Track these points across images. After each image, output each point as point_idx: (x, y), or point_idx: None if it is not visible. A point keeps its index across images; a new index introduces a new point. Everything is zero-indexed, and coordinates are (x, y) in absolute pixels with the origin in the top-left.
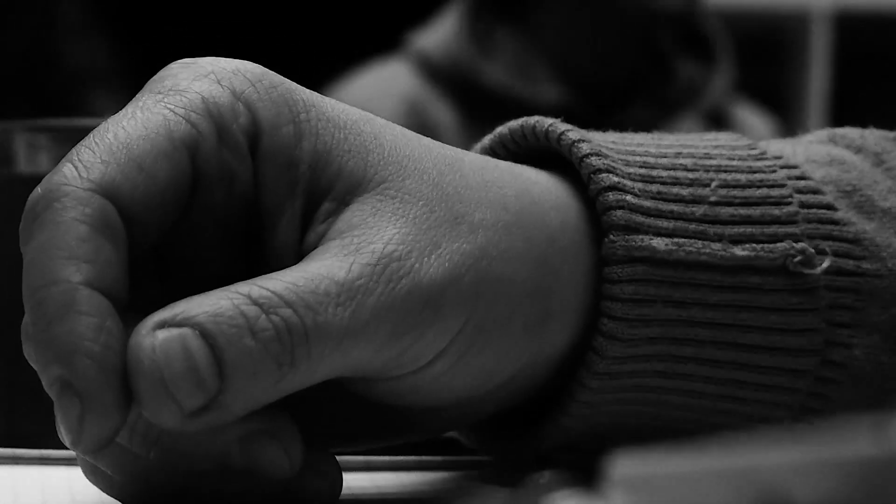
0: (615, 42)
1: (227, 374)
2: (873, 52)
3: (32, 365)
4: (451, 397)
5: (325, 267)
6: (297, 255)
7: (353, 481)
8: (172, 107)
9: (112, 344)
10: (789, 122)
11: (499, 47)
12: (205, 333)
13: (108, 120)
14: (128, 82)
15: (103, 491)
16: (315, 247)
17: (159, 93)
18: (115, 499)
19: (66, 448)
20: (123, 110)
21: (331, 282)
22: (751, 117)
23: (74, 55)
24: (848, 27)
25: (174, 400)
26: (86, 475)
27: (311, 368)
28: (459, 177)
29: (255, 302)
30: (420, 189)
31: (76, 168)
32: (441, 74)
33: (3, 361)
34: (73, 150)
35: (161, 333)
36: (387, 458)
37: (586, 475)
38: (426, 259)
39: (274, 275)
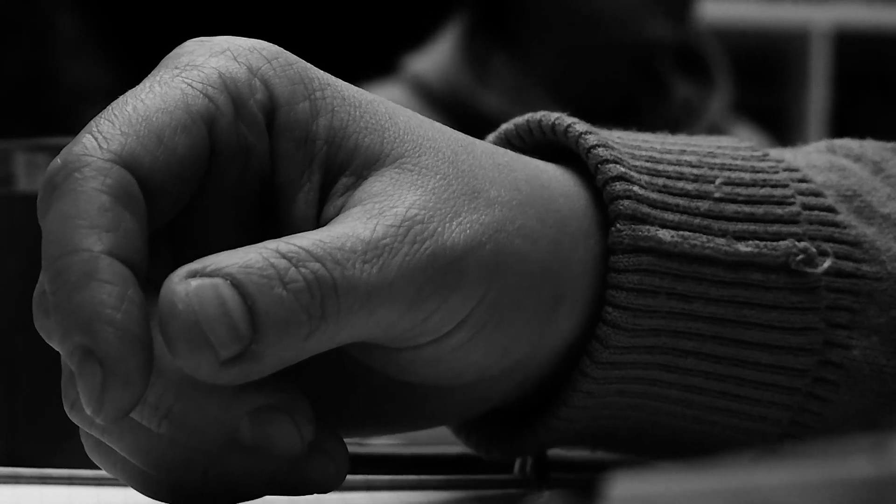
0: (609, 69)
1: (259, 322)
2: (873, 71)
3: (47, 339)
4: (462, 375)
5: (350, 227)
6: (314, 228)
7: (354, 500)
8: (190, 81)
9: (134, 312)
10: (789, 140)
11: (495, 73)
12: (236, 283)
13: (126, 94)
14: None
15: (105, 469)
16: (334, 218)
17: (176, 67)
18: (118, 477)
19: (66, 467)
20: (141, 85)
21: (357, 240)
22: (751, 137)
23: (73, 74)
24: (848, 45)
25: (209, 345)
26: (89, 452)
27: (340, 324)
28: (473, 157)
29: (284, 256)
30: (436, 164)
31: (96, 139)
32: (438, 100)
33: (3, 380)
34: (92, 122)
35: (194, 281)
36: (387, 477)
37: (585, 495)
38: (448, 225)
39: (300, 234)
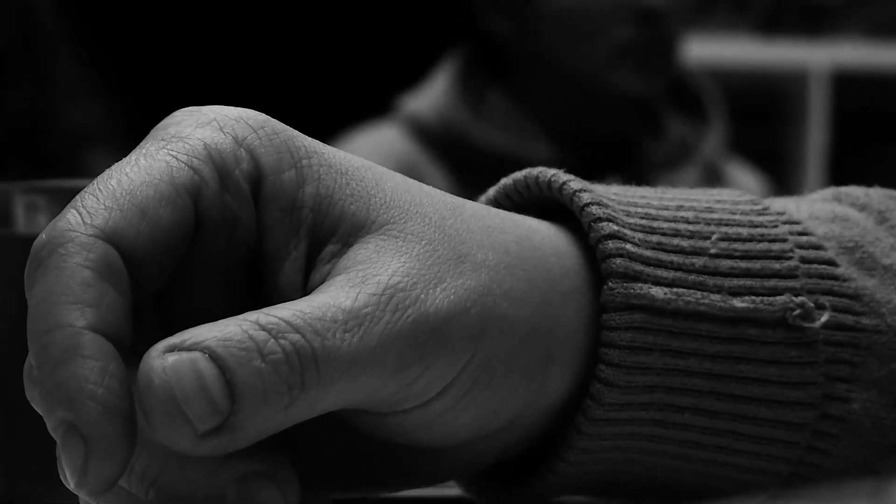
0: (597, 112)
1: (237, 394)
2: (871, 112)
3: (36, 408)
4: (454, 436)
5: (332, 296)
6: (301, 296)
7: None
8: (175, 153)
9: (115, 387)
10: (788, 181)
11: (490, 108)
12: (214, 357)
13: (112, 167)
14: (126, 142)
15: None
16: (319, 285)
17: (162, 140)
18: None
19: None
20: (127, 158)
21: (338, 309)
22: (743, 176)
23: (72, 116)
24: (846, 86)
25: (186, 420)
26: None
27: (321, 394)
28: (461, 221)
29: (263, 327)
30: (422, 230)
31: (80, 214)
32: (433, 137)
33: (2, 419)
34: (77, 197)
35: (171, 356)
36: None
37: None
38: (431, 291)
39: (281, 305)
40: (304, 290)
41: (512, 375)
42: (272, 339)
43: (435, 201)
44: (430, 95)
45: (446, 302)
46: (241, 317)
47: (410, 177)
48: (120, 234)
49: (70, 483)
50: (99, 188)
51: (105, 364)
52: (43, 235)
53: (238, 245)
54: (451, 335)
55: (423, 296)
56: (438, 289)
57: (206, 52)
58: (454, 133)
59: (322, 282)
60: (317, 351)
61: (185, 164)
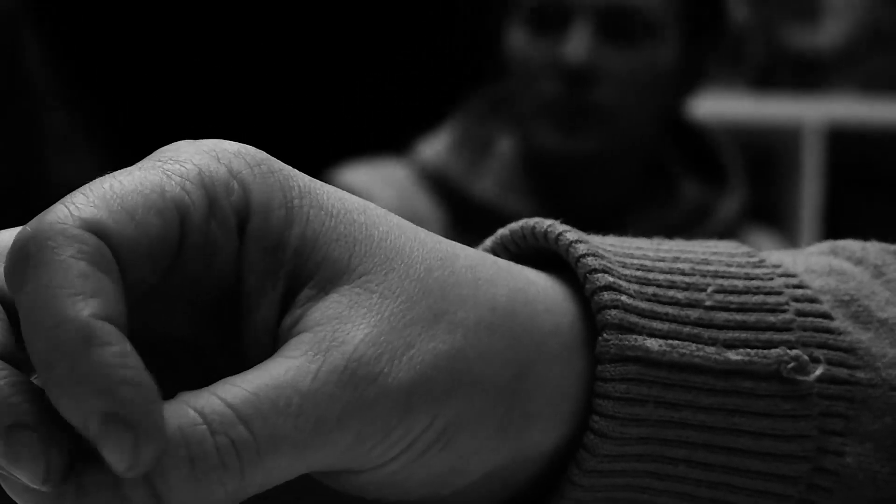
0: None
1: (167, 487)
2: (866, 167)
3: (58, 406)
4: (411, 493)
5: (292, 371)
6: (273, 336)
7: None
8: (169, 172)
9: (141, 366)
10: (783, 236)
11: (494, 158)
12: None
13: (106, 175)
14: None
15: None
16: (289, 331)
17: (159, 160)
18: None
19: None
20: (123, 170)
21: (294, 391)
22: (764, 241)
23: (62, 168)
24: (840, 142)
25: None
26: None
27: (267, 477)
28: (449, 273)
29: (206, 419)
30: (402, 284)
31: (68, 208)
32: (434, 184)
33: None
34: (67, 196)
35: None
36: None
37: None
38: (397, 362)
39: (238, 380)
40: (277, 329)
41: (474, 437)
42: (210, 437)
43: (426, 250)
44: (436, 144)
45: (411, 373)
46: (189, 399)
47: (407, 214)
48: (108, 232)
49: (120, 469)
50: (91, 189)
51: (124, 347)
52: (28, 229)
53: (214, 276)
54: (412, 405)
55: (387, 369)
56: (405, 357)
57: (203, 105)
58: (452, 185)
59: (293, 326)
60: (260, 442)
61: (178, 183)
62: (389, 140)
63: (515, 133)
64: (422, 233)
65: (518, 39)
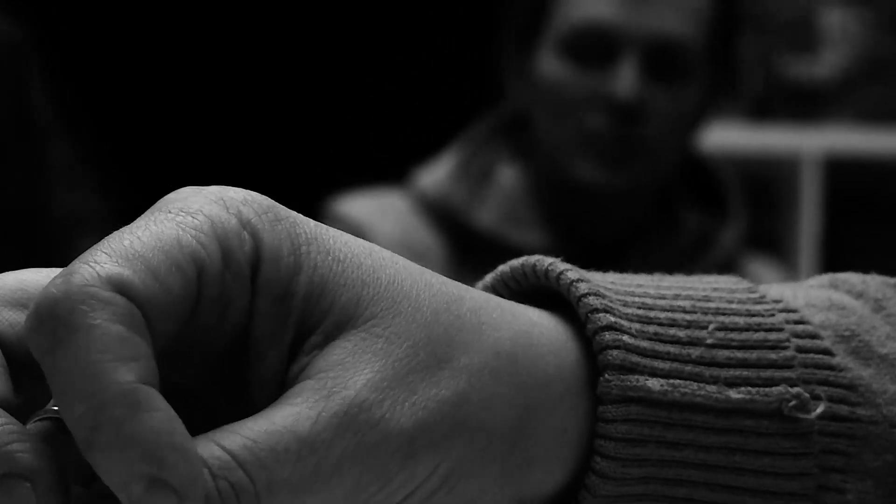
0: (583, 204)
1: None
2: (864, 197)
3: (99, 471)
4: None
5: (292, 417)
6: (281, 384)
7: None
8: (183, 225)
9: (185, 433)
10: (782, 266)
11: (495, 187)
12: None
13: (121, 230)
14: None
15: None
16: (296, 378)
17: (170, 212)
18: None
19: None
20: (135, 223)
21: (292, 437)
22: (765, 271)
23: (66, 202)
24: (838, 172)
25: None
26: None
27: None
28: (455, 318)
29: (206, 464)
30: (408, 329)
31: (94, 269)
32: (434, 214)
33: None
34: (87, 254)
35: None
36: None
37: None
38: (399, 407)
39: (238, 427)
40: (286, 377)
41: (478, 481)
42: (210, 481)
43: (433, 293)
44: (436, 172)
45: (413, 420)
46: (192, 444)
47: (408, 246)
48: (135, 292)
49: None
50: (111, 246)
51: (170, 412)
52: (54, 291)
53: (226, 326)
54: (415, 452)
55: (388, 415)
56: (407, 404)
57: (205, 140)
58: (450, 212)
59: (299, 374)
60: (259, 488)
61: (193, 237)
62: (388, 167)
63: (520, 161)
64: (428, 274)
65: (555, 70)
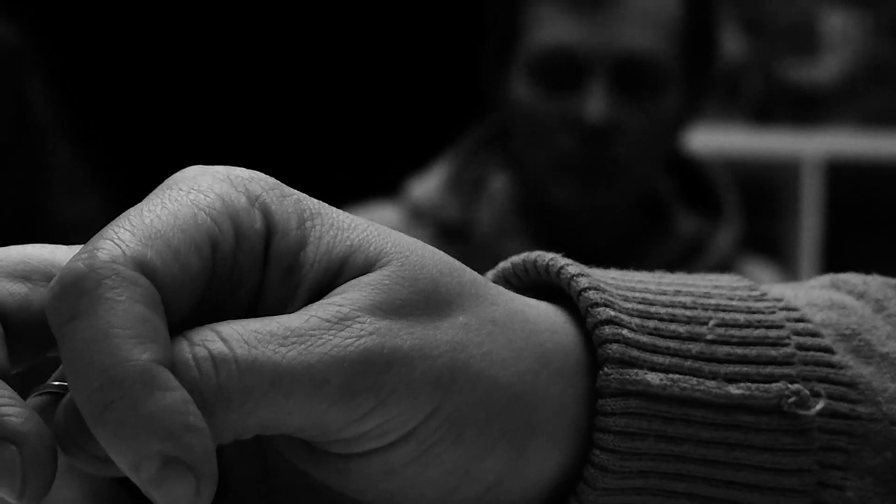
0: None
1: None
2: (865, 201)
3: (106, 445)
4: (424, 494)
5: (286, 317)
6: None
7: None
8: (199, 204)
9: (199, 414)
10: (781, 269)
11: (489, 196)
12: None
13: (139, 206)
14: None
15: None
16: None
17: (181, 189)
18: None
19: None
20: (150, 200)
21: (280, 325)
22: (761, 272)
23: (66, 209)
24: (839, 176)
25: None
26: None
27: (247, 404)
28: (456, 283)
29: (186, 337)
30: (415, 277)
31: (119, 247)
32: (428, 224)
33: None
34: (111, 230)
35: None
36: None
37: None
38: (395, 331)
39: (234, 320)
40: None
41: (485, 437)
42: (188, 345)
43: (438, 258)
44: (428, 183)
45: (410, 342)
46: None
47: None
48: (157, 273)
49: None
50: (132, 223)
51: (185, 393)
52: (80, 264)
53: (237, 301)
54: (412, 376)
55: (384, 331)
56: (404, 332)
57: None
58: (445, 227)
59: None
60: (239, 358)
61: (208, 214)
62: (380, 179)
63: (509, 171)
64: (428, 245)
65: (526, 93)
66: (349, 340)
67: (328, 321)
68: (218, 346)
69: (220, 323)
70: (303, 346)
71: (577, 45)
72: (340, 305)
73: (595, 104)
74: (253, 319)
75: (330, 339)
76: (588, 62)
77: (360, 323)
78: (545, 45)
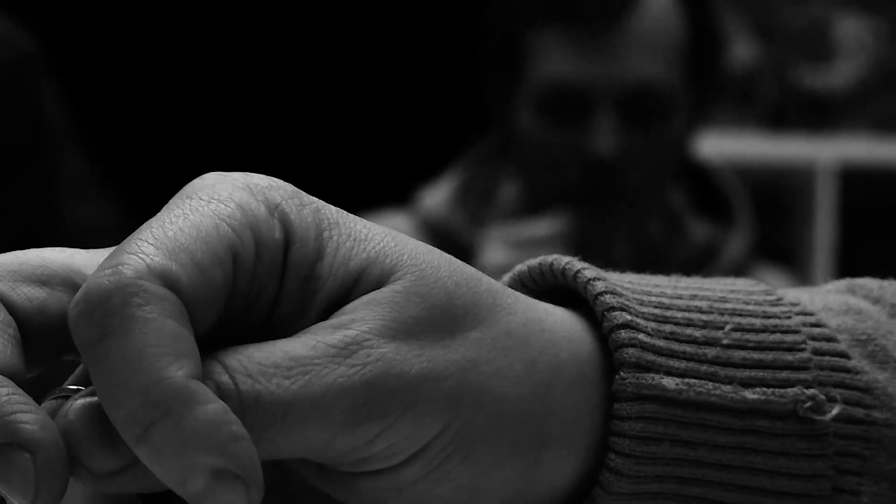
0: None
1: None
2: (879, 206)
3: (150, 464)
4: None
5: (291, 343)
6: None
7: None
8: (220, 215)
9: (240, 422)
10: (795, 276)
11: (499, 206)
12: None
13: (160, 217)
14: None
15: None
16: None
17: (202, 199)
18: None
19: None
20: (171, 211)
21: (285, 355)
22: (773, 278)
23: (78, 214)
24: (853, 182)
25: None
26: None
27: (251, 436)
28: (473, 293)
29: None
30: (429, 292)
31: (144, 261)
32: (437, 234)
33: None
34: (133, 243)
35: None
36: None
37: None
38: (404, 354)
39: (241, 347)
40: None
41: (495, 454)
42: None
43: (454, 268)
44: (439, 193)
45: (418, 366)
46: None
47: None
48: (182, 287)
49: None
50: (155, 236)
51: (223, 404)
52: (106, 281)
53: (256, 311)
54: (419, 400)
55: (391, 356)
56: (412, 354)
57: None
58: (455, 237)
59: None
60: (242, 393)
61: (229, 226)
62: (391, 190)
63: (519, 182)
64: (446, 254)
65: (533, 126)
66: (354, 369)
67: (334, 347)
68: (224, 380)
69: (224, 351)
70: (307, 376)
71: (583, 80)
72: (348, 329)
73: (604, 138)
74: (258, 346)
75: (335, 369)
76: (594, 95)
77: (366, 349)
78: (550, 79)
